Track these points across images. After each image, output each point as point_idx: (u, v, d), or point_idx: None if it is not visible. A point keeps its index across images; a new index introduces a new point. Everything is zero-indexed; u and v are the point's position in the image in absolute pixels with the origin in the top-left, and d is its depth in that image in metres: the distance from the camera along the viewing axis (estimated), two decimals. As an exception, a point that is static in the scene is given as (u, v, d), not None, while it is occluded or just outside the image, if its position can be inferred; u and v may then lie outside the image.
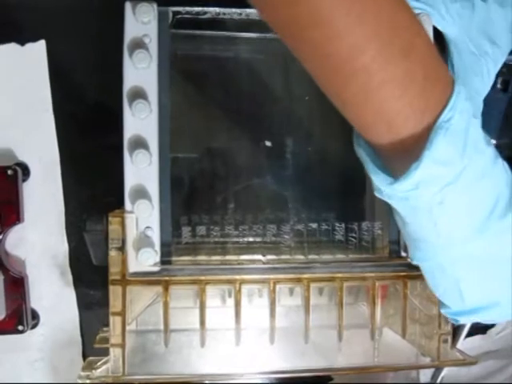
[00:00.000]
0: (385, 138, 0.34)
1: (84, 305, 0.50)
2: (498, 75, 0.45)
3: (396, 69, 0.31)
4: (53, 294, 0.50)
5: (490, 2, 0.43)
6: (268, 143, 0.46)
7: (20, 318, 0.48)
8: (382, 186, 0.36)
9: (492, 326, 0.58)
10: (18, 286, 0.48)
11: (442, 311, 0.40)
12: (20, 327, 0.48)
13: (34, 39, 0.47)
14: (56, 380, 0.51)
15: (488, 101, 0.44)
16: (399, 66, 0.31)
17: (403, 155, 0.34)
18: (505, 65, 0.46)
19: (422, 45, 0.33)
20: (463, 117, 0.33)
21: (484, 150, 0.35)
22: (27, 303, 0.49)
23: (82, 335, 0.50)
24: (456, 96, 0.33)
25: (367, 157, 0.38)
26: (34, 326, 0.50)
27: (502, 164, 0.36)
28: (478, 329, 0.58)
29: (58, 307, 0.50)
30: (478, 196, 0.35)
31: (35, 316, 0.50)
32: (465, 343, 0.55)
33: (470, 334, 0.56)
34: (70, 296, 0.50)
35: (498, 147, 0.37)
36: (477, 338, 0.58)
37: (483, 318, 0.39)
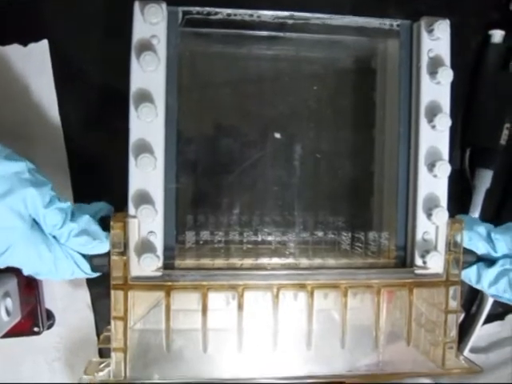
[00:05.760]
0: None
1: (98, 304, 0.51)
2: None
3: None
4: (67, 295, 0.50)
5: None
6: (277, 135, 0.46)
7: (35, 320, 0.49)
8: None
9: (510, 312, 0.58)
10: (31, 288, 0.48)
11: None
12: (36, 329, 0.49)
13: (37, 39, 0.47)
14: (74, 379, 0.52)
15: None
16: None
17: None
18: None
19: None
20: None
21: None
22: (42, 305, 0.49)
23: (98, 334, 0.51)
24: None
25: None
26: (49, 327, 0.50)
27: None
28: (496, 315, 0.57)
29: (72, 307, 0.51)
30: None
31: (50, 317, 0.50)
32: (483, 330, 0.55)
33: (487, 321, 0.56)
34: (84, 296, 0.51)
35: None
36: (495, 325, 0.58)
37: None
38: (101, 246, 0.39)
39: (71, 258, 0.38)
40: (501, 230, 0.43)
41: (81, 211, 0.39)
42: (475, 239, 0.43)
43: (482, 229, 0.43)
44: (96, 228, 0.39)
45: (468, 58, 0.51)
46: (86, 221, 0.38)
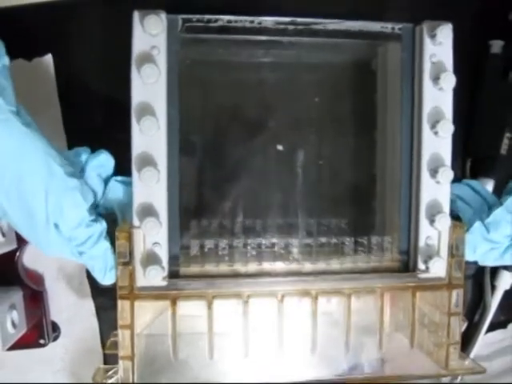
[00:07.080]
0: None
1: (103, 314, 0.51)
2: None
3: None
4: (72, 306, 0.51)
5: None
6: (279, 147, 0.46)
7: (41, 332, 0.49)
8: None
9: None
10: (37, 300, 0.49)
11: None
12: (42, 341, 0.49)
13: (41, 54, 0.47)
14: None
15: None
16: None
17: None
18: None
19: None
20: None
21: None
22: (47, 317, 0.49)
23: (103, 344, 0.51)
24: None
25: None
26: (55, 339, 0.51)
27: None
28: (499, 323, 0.57)
29: (77, 318, 0.51)
30: None
31: (56, 328, 0.51)
32: (485, 338, 0.55)
33: (490, 329, 0.56)
34: (88, 306, 0.51)
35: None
36: (497, 333, 0.58)
37: None
38: (102, 278, 0.40)
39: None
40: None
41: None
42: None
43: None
44: (111, 262, 0.40)
45: (467, 68, 0.50)
46: (104, 249, 0.39)
